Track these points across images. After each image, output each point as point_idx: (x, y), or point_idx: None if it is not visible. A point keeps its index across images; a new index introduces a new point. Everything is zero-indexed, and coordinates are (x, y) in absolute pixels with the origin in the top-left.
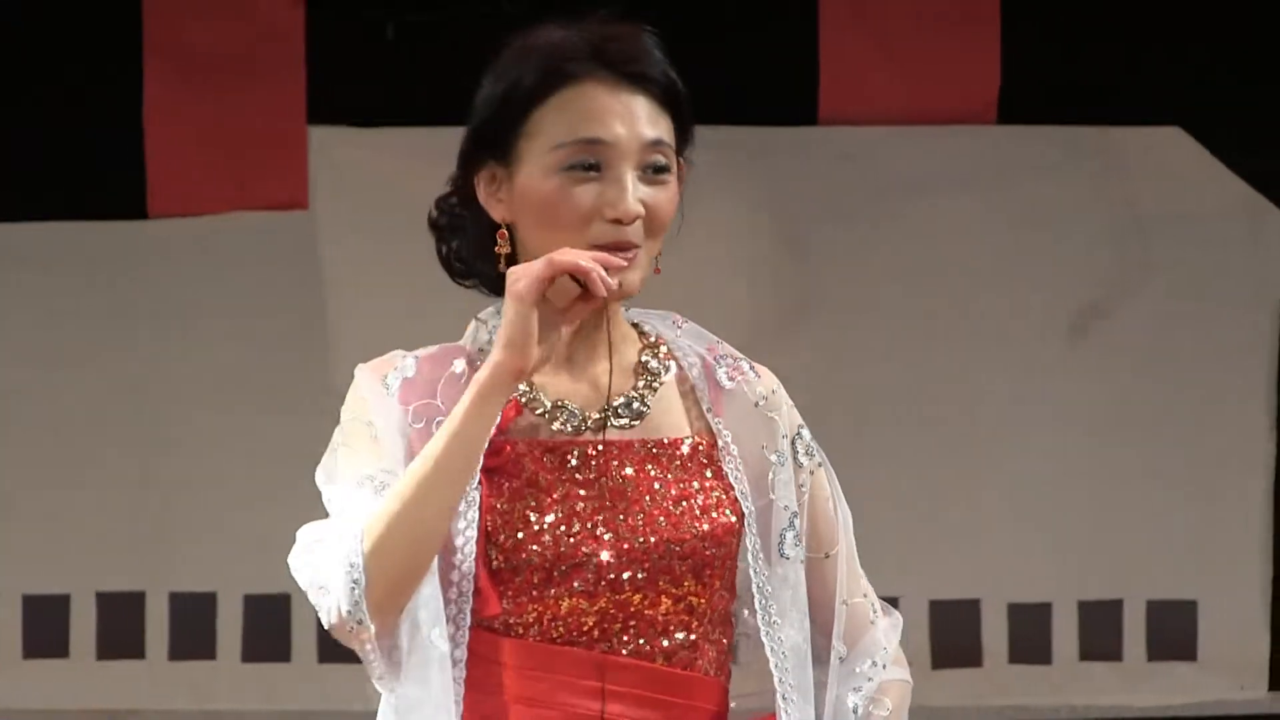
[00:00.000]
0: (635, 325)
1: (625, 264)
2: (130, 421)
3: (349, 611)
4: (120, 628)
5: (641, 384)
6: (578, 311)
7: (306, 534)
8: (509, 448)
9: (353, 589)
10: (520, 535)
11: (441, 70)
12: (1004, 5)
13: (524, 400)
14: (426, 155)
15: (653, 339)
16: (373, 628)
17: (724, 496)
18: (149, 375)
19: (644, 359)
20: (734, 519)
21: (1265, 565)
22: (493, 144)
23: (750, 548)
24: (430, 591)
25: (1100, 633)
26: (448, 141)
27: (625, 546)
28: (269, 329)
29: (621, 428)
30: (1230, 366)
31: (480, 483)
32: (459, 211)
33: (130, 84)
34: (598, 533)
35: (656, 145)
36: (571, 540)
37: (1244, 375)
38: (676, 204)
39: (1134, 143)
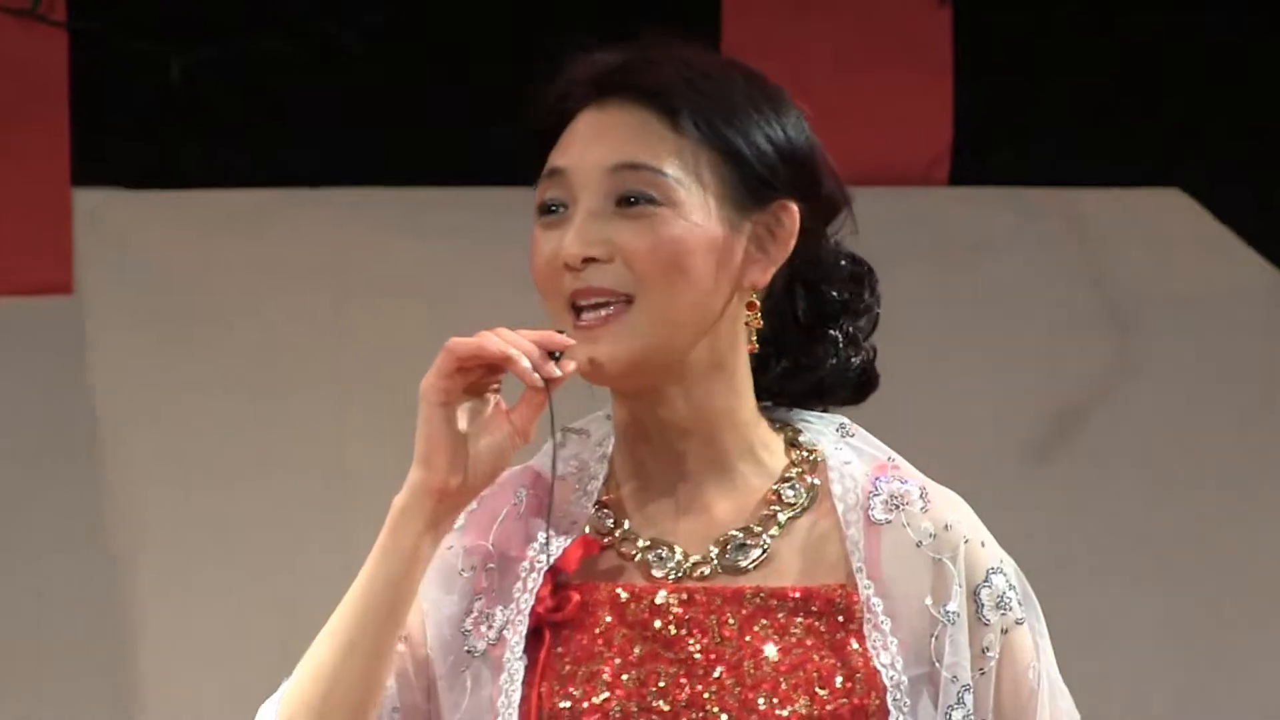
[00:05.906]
0: (787, 427)
1: (590, 327)
2: None
3: None
4: None
5: (766, 514)
6: (524, 414)
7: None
8: (576, 596)
9: None
10: (585, 706)
11: (236, 118)
12: (958, 44)
13: (618, 537)
14: (211, 222)
15: (807, 453)
16: None
17: (861, 666)
18: None
19: (776, 486)
20: (872, 698)
21: None
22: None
23: None
24: None
25: None
26: (237, 205)
27: None
28: (30, 432)
29: (731, 572)
30: (1262, 478)
31: (525, 646)
32: None
33: None
34: (680, 711)
35: (628, 168)
36: None
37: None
38: (680, 241)
39: (1126, 206)
